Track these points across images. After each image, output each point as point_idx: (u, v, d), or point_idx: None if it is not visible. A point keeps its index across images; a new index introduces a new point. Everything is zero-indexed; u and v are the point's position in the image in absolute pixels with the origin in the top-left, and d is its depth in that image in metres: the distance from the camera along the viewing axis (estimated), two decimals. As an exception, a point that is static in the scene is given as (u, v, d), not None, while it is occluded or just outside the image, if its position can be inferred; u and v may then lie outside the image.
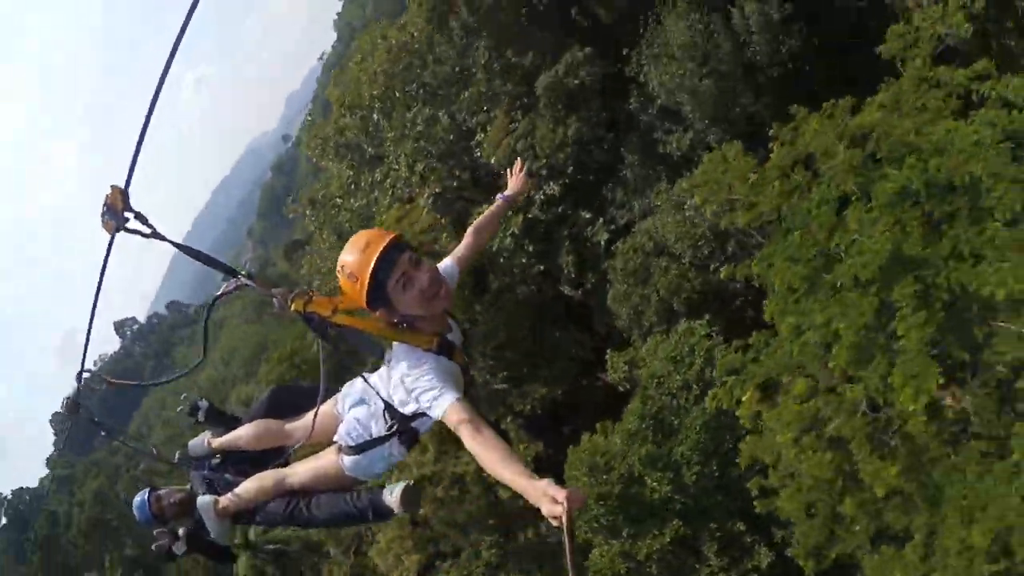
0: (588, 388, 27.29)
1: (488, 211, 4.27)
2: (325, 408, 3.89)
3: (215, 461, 4.57)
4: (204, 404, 4.89)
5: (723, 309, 22.50)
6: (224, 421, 4.79)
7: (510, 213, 16.95)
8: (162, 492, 4.68)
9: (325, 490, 4.02)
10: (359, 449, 3.71)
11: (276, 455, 4.26)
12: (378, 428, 3.63)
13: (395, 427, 3.56)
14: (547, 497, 2.37)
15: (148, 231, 2.75)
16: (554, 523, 2.35)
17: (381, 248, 3.14)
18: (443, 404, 3.06)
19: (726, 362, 15.75)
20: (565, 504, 2.29)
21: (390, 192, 28.00)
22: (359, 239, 3.24)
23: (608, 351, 24.29)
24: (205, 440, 4.56)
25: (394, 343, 3.39)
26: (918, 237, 13.12)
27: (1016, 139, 13.36)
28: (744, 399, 14.74)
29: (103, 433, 4.62)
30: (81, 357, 3.79)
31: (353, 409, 3.83)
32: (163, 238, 2.86)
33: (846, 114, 16.59)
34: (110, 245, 2.80)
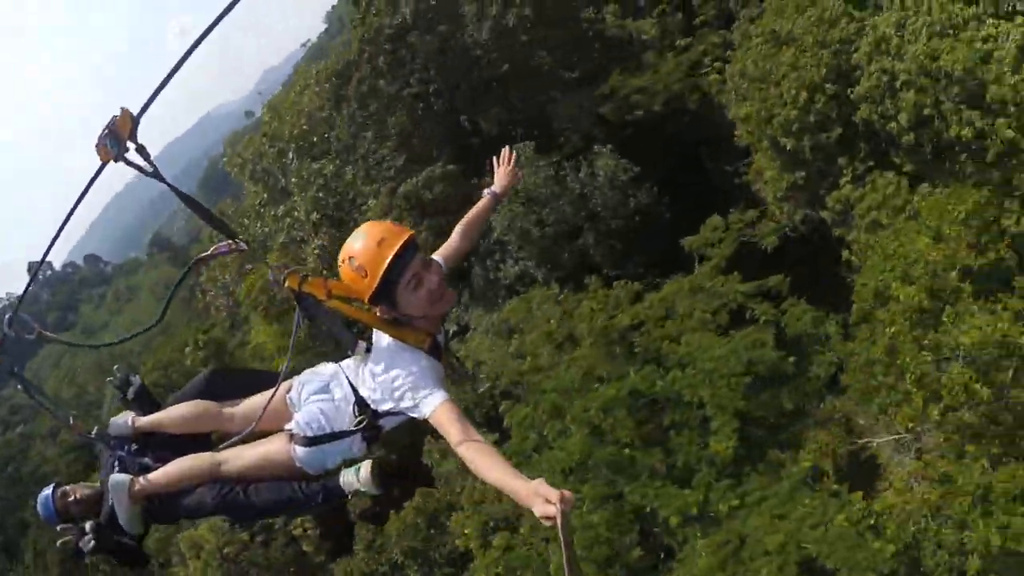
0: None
1: (475, 208, 4.00)
2: (278, 394, 3.58)
3: (134, 444, 4.10)
4: (136, 381, 4.39)
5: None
6: (152, 405, 4.29)
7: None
8: (68, 488, 4.28)
9: (265, 479, 3.66)
10: (316, 441, 3.45)
11: (204, 441, 3.92)
12: (343, 422, 3.40)
13: (363, 422, 3.33)
14: (540, 498, 2.33)
15: (149, 168, 2.46)
16: (547, 523, 2.30)
17: (397, 248, 3.02)
18: (432, 404, 3.00)
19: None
20: (559, 504, 2.25)
21: (285, 232, 29.50)
22: (373, 232, 3.09)
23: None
24: (129, 419, 4.07)
25: (374, 337, 3.28)
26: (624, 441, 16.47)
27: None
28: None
29: (19, 387, 4.11)
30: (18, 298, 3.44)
31: (314, 398, 3.53)
32: (162, 179, 2.59)
33: (627, 298, 19.65)
34: (97, 173, 2.46)
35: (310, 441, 3.45)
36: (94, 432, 4.16)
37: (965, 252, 13.66)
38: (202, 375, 4.33)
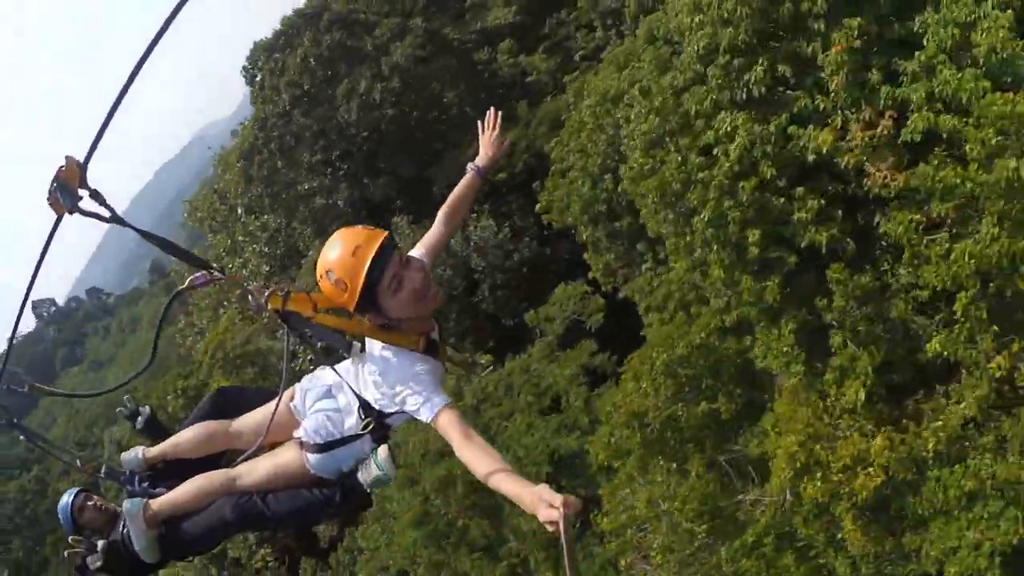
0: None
1: (458, 188, 3.75)
2: (280, 406, 3.56)
3: (145, 476, 4.04)
4: (146, 412, 4.38)
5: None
6: (162, 433, 4.27)
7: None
8: (92, 496, 4.24)
9: (281, 488, 3.57)
10: (328, 447, 3.42)
11: (216, 463, 3.83)
12: (351, 425, 3.35)
13: (370, 425, 3.27)
14: (543, 503, 2.32)
15: (107, 214, 2.35)
16: (550, 528, 2.28)
17: (373, 253, 2.93)
18: (433, 409, 2.95)
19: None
20: (562, 509, 2.24)
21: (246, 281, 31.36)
22: (346, 241, 2.99)
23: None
24: (140, 452, 4.02)
25: (367, 344, 3.22)
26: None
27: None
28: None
29: (23, 438, 4.07)
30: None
31: (319, 404, 3.48)
32: (124, 223, 2.50)
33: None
34: (55, 227, 2.36)
35: (321, 448, 3.43)
36: (103, 470, 4.19)
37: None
38: (208, 397, 4.34)
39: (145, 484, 4.00)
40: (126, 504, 3.71)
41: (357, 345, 3.24)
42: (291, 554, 28.24)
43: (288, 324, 3.02)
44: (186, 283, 3.07)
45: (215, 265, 2.94)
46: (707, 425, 14.16)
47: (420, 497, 18.86)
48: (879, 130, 11.08)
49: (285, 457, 3.57)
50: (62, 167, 2.20)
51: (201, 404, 4.32)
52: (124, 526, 3.78)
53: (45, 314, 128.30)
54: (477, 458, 2.76)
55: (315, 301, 3.05)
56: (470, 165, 3.76)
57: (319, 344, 3.31)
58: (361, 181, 29.72)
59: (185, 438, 3.94)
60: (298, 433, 3.53)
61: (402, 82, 28.37)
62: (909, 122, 10.75)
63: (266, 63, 31.62)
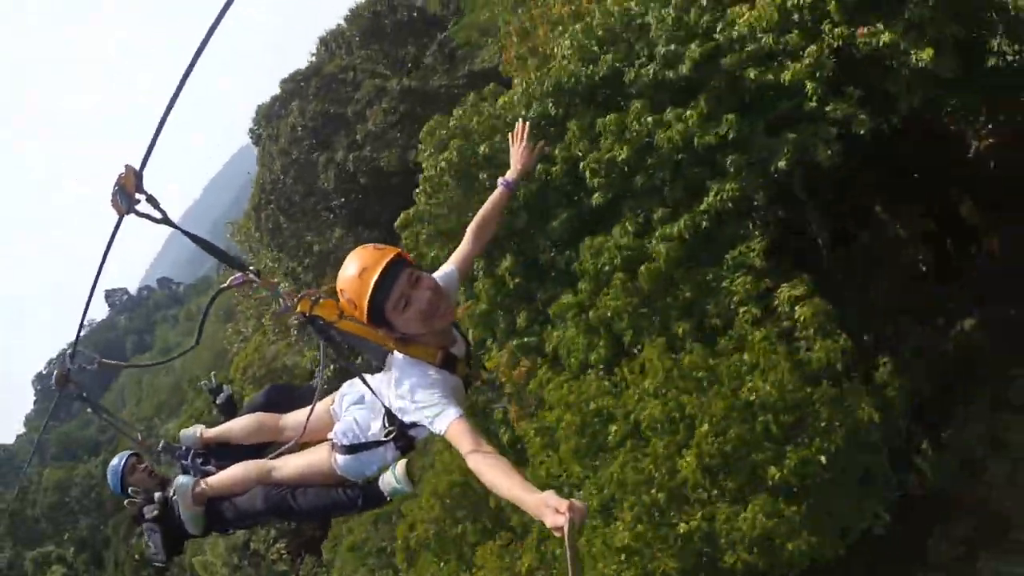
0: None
1: (487, 204, 3.78)
2: (320, 406, 3.78)
3: (199, 454, 4.37)
4: (228, 391, 4.82)
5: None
6: (234, 415, 4.61)
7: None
8: (140, 460, 4.66)
9: (310, 484, 3.85)
10: (354, 449, 3.59)
11: (264, 451, 4.14)
12: (376, 432, 3.50)
13: (393, 433, 3.42)
14: (549, 509, 2.33)
15: (159, 216, 2.61)
16: (557, 535, 2.29)
17: (377, 274, 3.01)
18: (445, 421, 3.00)
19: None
20: (568, 515, 2.25)
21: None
22: (356, 262, 3.09)
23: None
24: (198, 431, 4.38)
25: (394, 351, 3.29)
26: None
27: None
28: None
29: (90, 410, 4.43)
30: (76, 329, 3.71)
31: (352, 408, 3.67)
32: (173, 225, 2.73)
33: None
34: (117, 226, 2.65)
35: (348, 450, 3.60)
36: (160, 446, 4.46)
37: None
38: (263, 391, 4.67)
39: (199, 461, 4.31)
40: (178, 480, 4.08)
41: (392, 356, 3.30)
42: (305, 548, 30.46)
43: (315, 328, 3.09)
44: (227, 283, 3.25)
45: (251, 267, 3.05)
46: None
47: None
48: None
49: (317, 456, 3.79)
50: (122, 173, 2.48)
51: (255, 396, 4.63)
52: (173, 493, 4.13)
53: (117, 303, 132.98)
54: (487, 466, 2.77)
55: (342, 308, 3.12)
56: (500, 180, 3.79)
57: (348, 349, 3.37)
58: (356, 228, 30.78)
59: (239, 426, 4.29)
60: (331, 434, 3.72)
61: (373, 149, 29.37)
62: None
63: (265, 128, 33.73)
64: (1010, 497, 14.73)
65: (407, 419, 3.28)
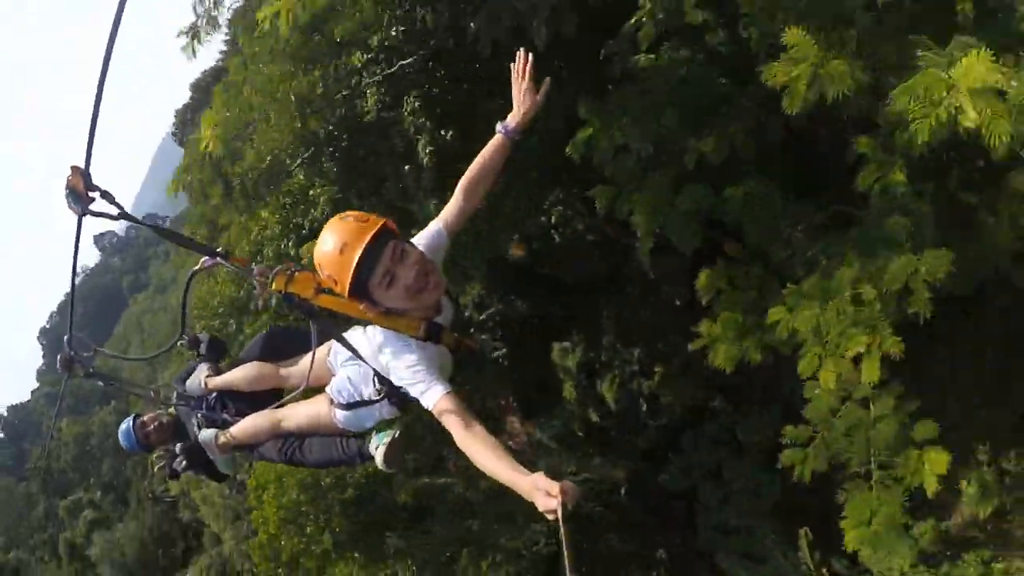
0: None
1: (482, 154, 3.27)
2: (319, 352, 3.71)
3: (212, 400, 4.53)
4: (205, 337, 4.84)
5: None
6: (224, 350, 4.83)
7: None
8: (146, 418, 4.79)
9: (318, 434, 3.97)
10: (350, 406, 3.58)
11: (271, 397, 4.19)
12: (368, 391, 3.45)
13: (382, 392, 3.38)
14: (540, 491, 2.30)
15: (115, 212, 2.55)
16: (550, 517, 2.26)
17: (359, 251, 2.80)
18: (431, 399, 2.89)
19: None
20: (560, 497, 2.22)
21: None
22: (335, 236, 2.86)
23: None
24: (202, 380, 4.49)
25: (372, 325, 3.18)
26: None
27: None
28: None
29: (100, 383, 4.49)
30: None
31: (346, 365, 3.62)
32: (132, 219, 2.69)
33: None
34: (79, 229, 2.64)
35: (345, 406, 3.60)
36: (174, 398, 4.66)
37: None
38: (259, 336, 4.70)
39: (215, 406, 4.47)
40: (202, 434, 4.25)
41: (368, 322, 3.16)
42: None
43: (291, 305, 2.94)
44: (197, 266, 3.21)
45: (220, 250, 2.92)
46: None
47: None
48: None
49: (318, 408, 3.79)
50: (68, 177, 2.39)
51: (254, 341, 4.67)
52: (198, 426, 4.39)
53: (108, 246, 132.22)
54: (477, 445, 2.70)
55: (317, 282, 2.95)
56: (499, 125, 3.26)
57: (331, 318, 3.21)
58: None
59: (238, 376, 4.34)
60: (328, 388, 3.71)
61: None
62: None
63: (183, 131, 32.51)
64: None
65: (395, 382, 3.18)
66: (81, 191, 2.40)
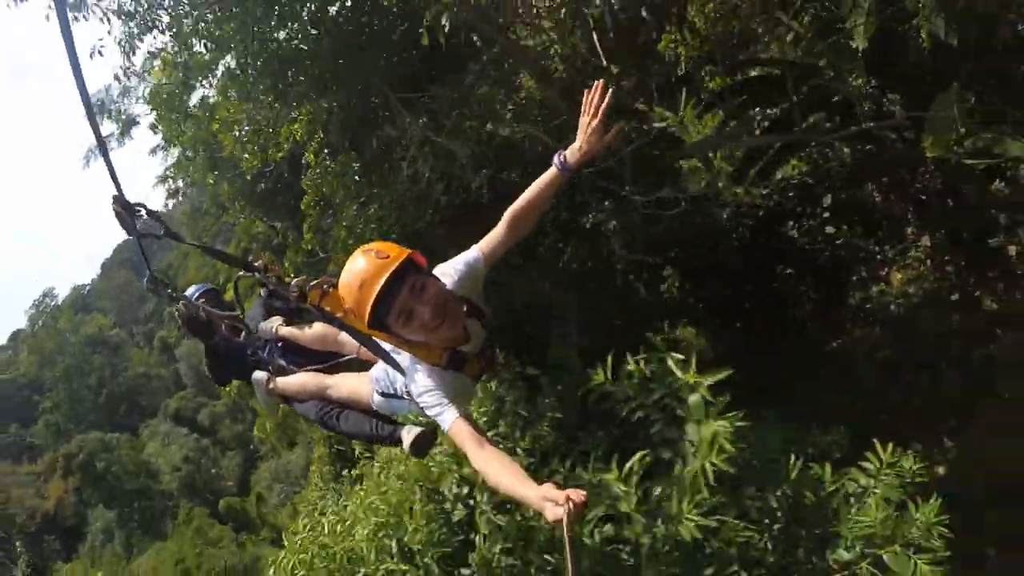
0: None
1: (535, 184, 3.02)
2: None
3: (276, 347, 4.73)
4: (197, 292, 5.22)
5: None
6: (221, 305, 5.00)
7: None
8: (210, 301, 4.90)
9: (356, 409, 4.15)
10: (384, 395, 3.70)
11: (327, 357, 4.39)
12: (400, 387, 3.48)
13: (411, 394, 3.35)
14: (548, 503, 2.31)
15: (161, 231, 2.70)
16: (558, 526, 2.29)
17: (376, 290, 2.79)
18: (444, 422, 2.92)
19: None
20: (566, 506, 2.24)
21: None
22: (356, 272, 2.86)
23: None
24: (275, 326, 4.71)
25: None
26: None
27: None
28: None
29: (203, 313, 4.63)
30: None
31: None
32: (177, 237, 2.81)
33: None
34: (140, 247, 2.81)
35: (381, 393, 3.72)
36: (251, 330, 4.74)
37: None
38: None
39: (275, 351, 4.70)
40: (256, 374, 4.61)
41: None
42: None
43: (329, 320, 3.00)
44: (237, 276, 3.25)
45: (258, 264, 2.99)
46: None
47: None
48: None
49: (361, 387, 3.94)
50: (112, 206, 2.48)
51: None
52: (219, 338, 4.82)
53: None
54: (489, 465, 2.74)
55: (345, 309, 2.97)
56: (556, 158, 2.97)
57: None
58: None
59: (305, 333, 4.56)
60: (371, 371, 3.84)
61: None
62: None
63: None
64: None
65: (415, 399, 3.23)
66: (126, 218, 2.50)
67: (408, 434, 3.90)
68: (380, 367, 3.68)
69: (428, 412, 3.02)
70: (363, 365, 4.09)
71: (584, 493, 2.28)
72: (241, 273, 3.07)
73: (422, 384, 3.03)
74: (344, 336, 4.26)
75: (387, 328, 2.90)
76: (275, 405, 4.68)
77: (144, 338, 76.78)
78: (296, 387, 4.37)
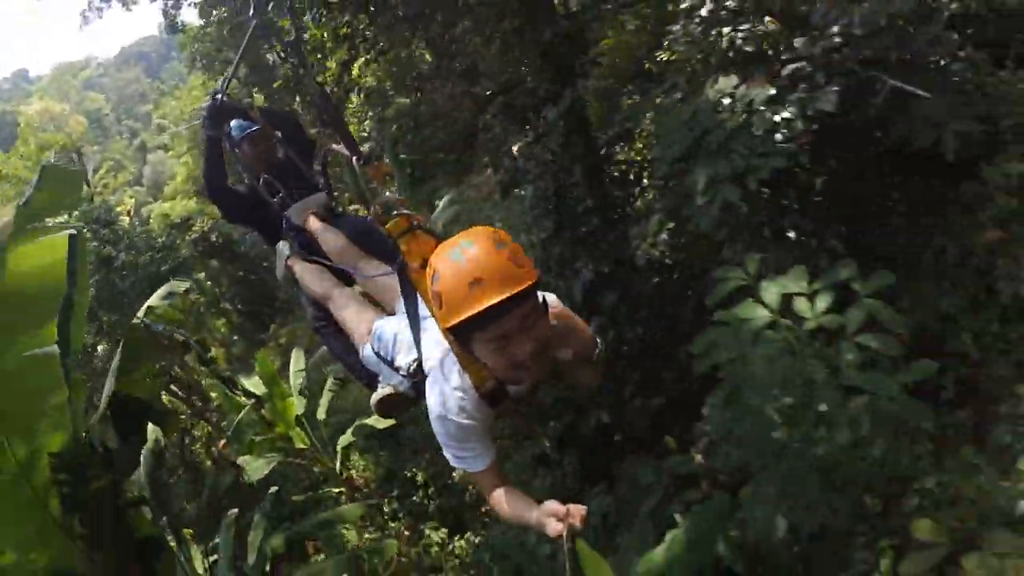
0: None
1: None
2: (389, 281, 3.44)
3: (302, 235, 4.50)
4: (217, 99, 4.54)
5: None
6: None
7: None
8: (254, 139, 4.75)
9: (344, 336, 3.91)
10: (377, 354, 3.24)
11: (339, 273, 4.16)
12: (400, 360, 3.04)
13: (413, 376, 2.98)
14: (550, 519, 2.24)
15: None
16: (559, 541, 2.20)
17: (493, 300, 2.15)
18: (475, 466, 2.62)
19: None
20: (566, 520, 2.18)
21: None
22: (473, 263, 2.19)
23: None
24: (305, 215, 4.48)
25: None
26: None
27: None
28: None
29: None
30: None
31: (397, 318, 3.25)
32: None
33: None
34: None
35: (375, 352, 3.27)
36: (286, 213, 4.60)
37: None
38: (358, 219, 4.66)
39: (299, 236, 4.60)
40: (280, 245, 4.47)
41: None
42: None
43: (389, 260, 2.76)
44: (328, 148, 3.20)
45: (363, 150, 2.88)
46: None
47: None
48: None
49: (359, 324, 3.56)
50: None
51: (348, 219, 4.65)
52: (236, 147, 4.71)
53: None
54: (500, 504, 2.60)
55: (425, 258, 2.50)
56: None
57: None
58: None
59: (330, 242, 4.24)
60: (376, 322, 3.38)
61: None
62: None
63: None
64: None
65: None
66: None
67: (381, 390, 3.32)
68: (389, 327, 3.19)
69: (451, 441, 2.59)
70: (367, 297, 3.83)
71: (584, 508, 2.22)
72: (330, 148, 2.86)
73: (455, 406, 2.52)
74: (364, 263, 3.87)
75: (465, 337, 2.31)
76: (289, 281, 4.39)
77: (128, 131, 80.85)
78: (305, 279, 4.15)
